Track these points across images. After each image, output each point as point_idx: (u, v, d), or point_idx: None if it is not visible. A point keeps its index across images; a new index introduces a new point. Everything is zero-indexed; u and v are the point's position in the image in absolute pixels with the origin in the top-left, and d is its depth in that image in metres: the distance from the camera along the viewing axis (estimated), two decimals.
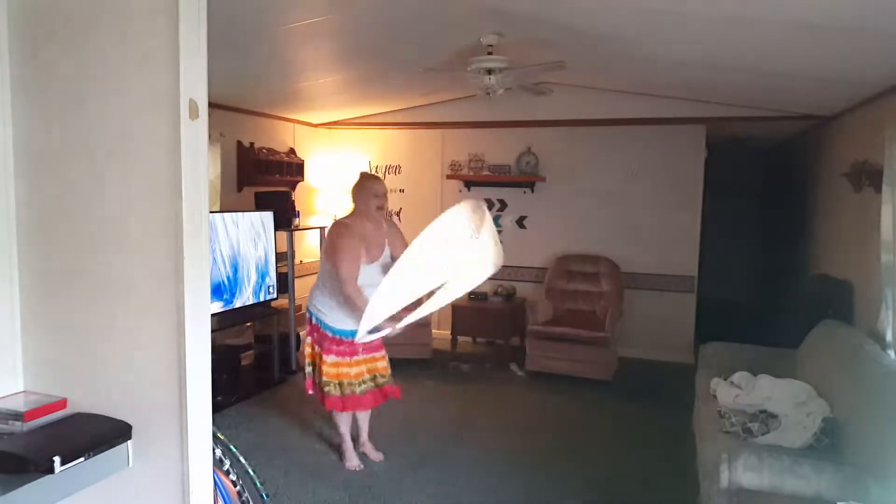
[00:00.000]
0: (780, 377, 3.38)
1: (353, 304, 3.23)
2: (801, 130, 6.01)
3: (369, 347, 3.51)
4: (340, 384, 3.49)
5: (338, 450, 3.89)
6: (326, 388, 3.48)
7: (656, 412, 4.69)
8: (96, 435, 1.58)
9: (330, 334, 3.49)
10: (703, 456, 3.02)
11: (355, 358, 3.51)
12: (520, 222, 6.42)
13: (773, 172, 8.09)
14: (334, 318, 3.46)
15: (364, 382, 3.55)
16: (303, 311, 6.41)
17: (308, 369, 3.65)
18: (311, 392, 3.64)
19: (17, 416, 1.62)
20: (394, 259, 3.33)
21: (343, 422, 3.69)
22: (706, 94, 5.34)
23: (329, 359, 3.47)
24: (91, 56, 1.60)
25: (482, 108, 5.80)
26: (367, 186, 3.46)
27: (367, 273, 3.35)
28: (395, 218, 6.86)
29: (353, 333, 3.21)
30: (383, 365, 3.63)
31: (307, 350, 3.62)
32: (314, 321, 3.54)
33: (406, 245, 3.29)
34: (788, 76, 3.96)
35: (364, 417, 3.80)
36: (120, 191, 1.61)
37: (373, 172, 3.31)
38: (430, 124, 6.59)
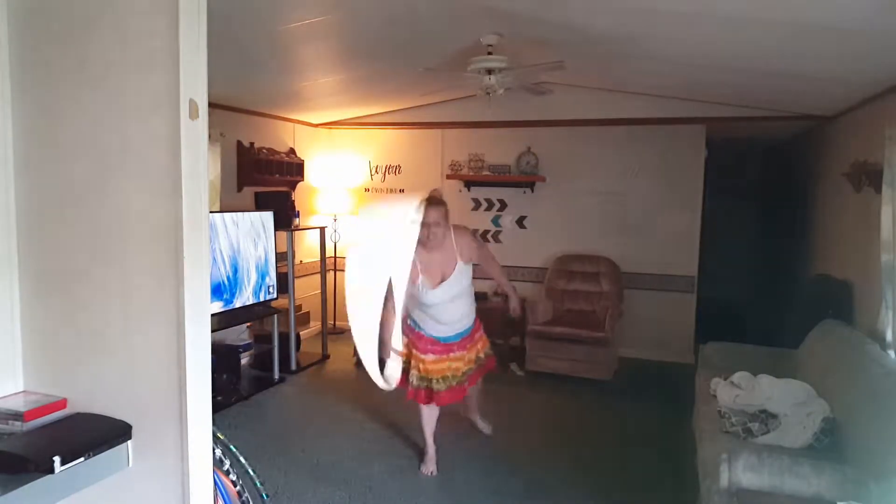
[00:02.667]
0: (780, 377, 3.38)
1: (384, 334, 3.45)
2: (801, 130, 6.02)
3: (461, 346, 3.70)
4: (453, 377, 3.65)
5: (339, 450, 3.89)
6: (421, 384, 3.63)
7: (656, 412, 4.69)
8: (96, 435, 1.58)
9: (426, 336, 3.67)
10: (703, 456, 3.02)
11: (452, 355, 3.67)
12: (520, 222, 6.42)
13: (773, 172, 8.09)
14: (429, 327, 3.65)
15: (454, 378, 3.68)
16: (303, 311, 6.46)
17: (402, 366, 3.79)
18: (399, 386, 3.75)
19: (17, 416, 1.61)
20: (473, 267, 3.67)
21: (428, 424, 3.77)
22: (706, 94, 5.34)
23: (428, 357, 3.63)
24: (91, 56, 1.59)
25: (482, 108, 5.78)
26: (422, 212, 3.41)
27: (434, 295, 3.51)
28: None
29: (448, 338, 3.64)
30: (471, 357, 3.79)
31: (403, 350, 3.73)
32: (409, 323, 3.72)
33: (476, 251, 3.63)
34: (788, 76, 3.96)
35: (473, 394, 4.00)
36: (120, 191, 1.61)
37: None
38: (430, 124, 6.59)
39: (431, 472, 3.69)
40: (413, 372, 3.65)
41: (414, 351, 3.65)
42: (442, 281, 3.50)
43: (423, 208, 3.38)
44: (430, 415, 3.75)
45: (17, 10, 1.66)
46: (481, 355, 3.85)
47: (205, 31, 1.58)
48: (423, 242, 3.39)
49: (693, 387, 4.06)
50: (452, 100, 6.29)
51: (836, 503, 2.40)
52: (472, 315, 3.75)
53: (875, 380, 2.85)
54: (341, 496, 3.38)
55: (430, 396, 3.63)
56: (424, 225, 3.35)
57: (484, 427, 4.16)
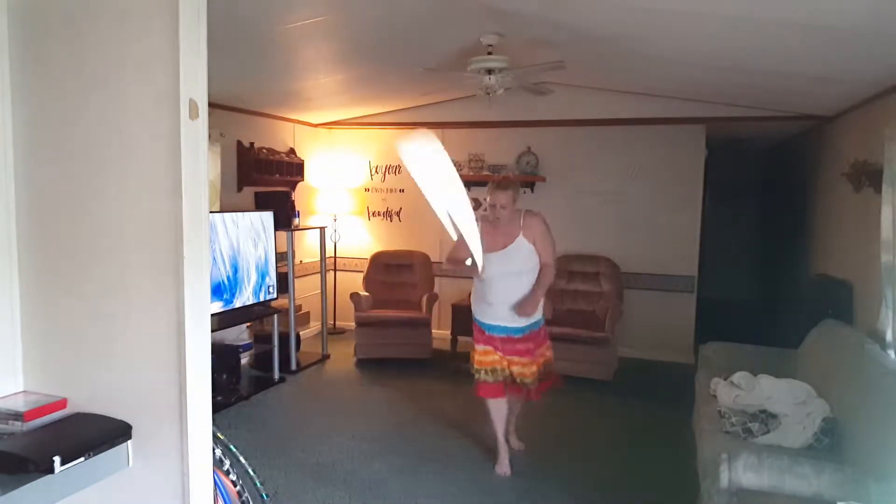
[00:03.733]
0: (780, 377, 3.38)
1: (457, 255, 3.40)
2: (801, 130, 6.01)
3: (511, 351, 3.56)
4: (493, 371, 3.57)
5: (339, 450, 3.90)
6: (477, 376, 3.60)
7: (656, 412, 4.69)
8: (96, 435, 1.58)
9: (477, 325, 3.65)
10: (703, 456, 3.02)
11: (498, 352, 3.58)
12: None
13: (773, 172, 8.09)
14: (478, 310, 3.63)
15: (501, 373, 3.58)
16: (303, 311, 6.46)
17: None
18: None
19: (17, 416, 1.61)
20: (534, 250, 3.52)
21: (498, 419, 3.67)
22: (706, 94, 5.34)
23: (479, 347, 3.61)
24: (91, 56, 1.59)
25: (482, 108, 5.78)
26: (489, 193, 3.53)
27: (487, 260, 3.38)
28: (396, 218, 6.87)
29: (493, 328, 3.56)
30: (531, 370, 3.59)
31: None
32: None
33: (540, 232, 3.54)
34: (788, 76, 3.96)
35: (513, 409, 3.85)
36: (120, 191, 1.61)
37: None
38: (430, 124, 6.58)
39: (505, 473, 3.60)
40: (473, 364, 3.64)
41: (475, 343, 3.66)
42: (497, 248, 3.47)
43: (491, 190, 3.52)
44: (496, 408, 3.64)
45: (17, 10, 1.66)
46: (528, 379, 3.60)
47: (205, 31, 1.58)
48: (489, 220, 3.51)
49: (693, 387, 4.05)
50: (452, 100, 6.29)
51: (835, 503, 2.40)
52: (527, 318, 3.52)
53: (875, 380, 2.84)
54: (341, 496, 3.38)
55: (496, 389, 3.58)
56: (491, 206, 3.50)
57: (516, 444, 3.95)
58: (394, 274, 6.31)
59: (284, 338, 5.44)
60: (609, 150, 6.04)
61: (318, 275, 6.15)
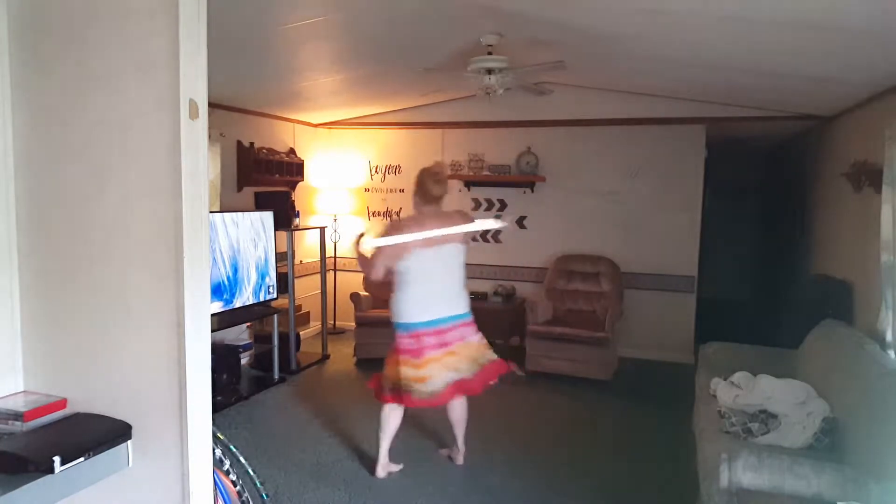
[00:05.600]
0: (780, 377, 3.38)
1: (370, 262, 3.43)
2: (801, 130, 6.01)
3: (456, 334, 3.43)
4: (431, 383, 3.35)
5: (339, 450, 3.89)
6: (416, 395, 3.34)
7: (656, 412, 4.69)
8: (96, 435, 1.58)
9: (410, 333, 3.40)
10: (703, 456, 3.02)
11: (447, 349, 3.40)
12: (520, 222, 6.42)
13: (773, 172, 8.09)
14: (414, 312, 3.39)
15: (431, 383, 3.35)
16: (303, 311, 6.46)
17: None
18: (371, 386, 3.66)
19: (17, 416, 1.62)
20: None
21: (388, 428, 3.52)
22: (706, 94, 5.34)
23: (413, 360, 3.36)
24: (91, 56, 1.60)
25: (482, 108, 5.79)
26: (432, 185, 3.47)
27: (423, 257, 3.36)
28: (394, 217, 6.87)
29: (435, 321, 3.37)
30: (468, 354, 3.45)
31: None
32: (402, 333, 3.44)
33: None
34: (788, 76, 3.96)
35: (459, 422, 3.68)
36: (120, 191, 1.61)
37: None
38: (430, 124, 6.59)
39: (382, 475, 3.54)
40: (389, 377, 3.45)
41: (408, 359, 3.38)
42: (436, 244, 3.38)
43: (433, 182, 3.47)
44: (392, 416, 3.52)
45: (17, 11, 1.66)
46: (482, 360, 3.49)
47: (205, 32, 1.58)
48: (418, 219, 3.45)
49: (693, 387, 4.05)
50: (452, 100, 6.29)
51: (835, 503, 2.40)
52: (466, 302, 3.52)
53: (875, 380, 2.84)
54: (341, 496, 3.38)
55: (401, 398, 3.38)
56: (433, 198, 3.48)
57: (458, 453, 3.76)
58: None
59: (284, 338, 5.44)
60: (609, 150, 6.04)
61: (318, 275, 6.15)
